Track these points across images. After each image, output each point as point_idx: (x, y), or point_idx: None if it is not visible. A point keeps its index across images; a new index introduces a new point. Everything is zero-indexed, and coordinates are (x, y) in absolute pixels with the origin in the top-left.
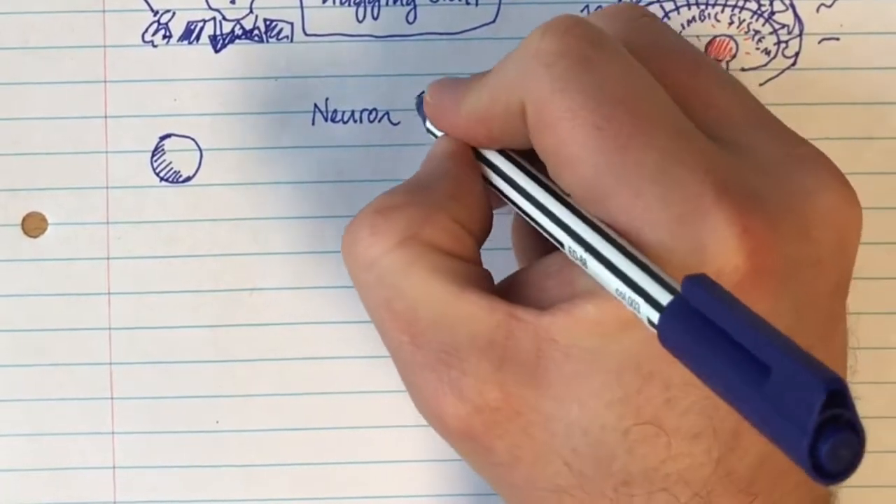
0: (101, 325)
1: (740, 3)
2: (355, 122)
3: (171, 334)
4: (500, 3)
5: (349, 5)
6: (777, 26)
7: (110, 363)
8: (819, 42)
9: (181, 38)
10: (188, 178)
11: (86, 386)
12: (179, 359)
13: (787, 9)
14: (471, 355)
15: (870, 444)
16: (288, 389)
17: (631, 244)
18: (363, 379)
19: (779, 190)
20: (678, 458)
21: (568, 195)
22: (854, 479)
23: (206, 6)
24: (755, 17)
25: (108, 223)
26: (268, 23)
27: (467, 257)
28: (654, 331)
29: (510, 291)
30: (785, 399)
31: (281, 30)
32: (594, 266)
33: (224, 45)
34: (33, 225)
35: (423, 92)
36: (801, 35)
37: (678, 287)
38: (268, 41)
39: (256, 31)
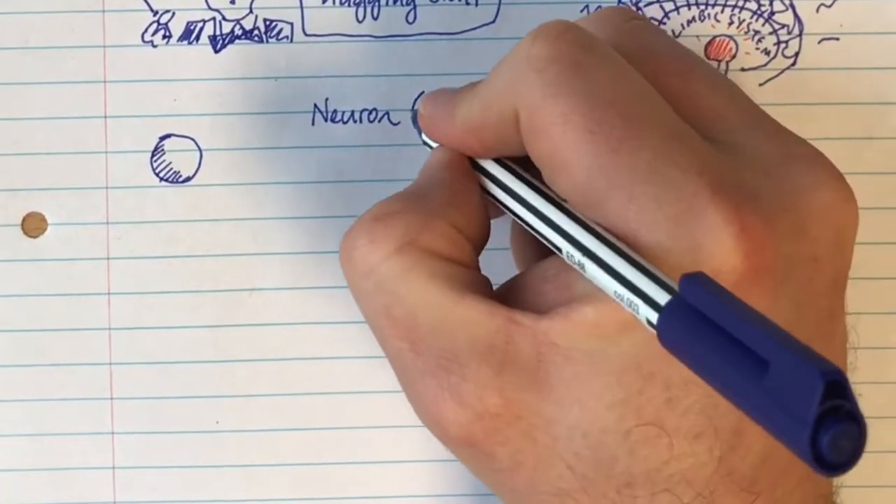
0: (101, 325)
1: (740, 4)
2: (355, 122)
3: (170, 334)
4: (500, 4)
5: (349, 5)
6: (777, 26)
7: (110, 363)
8: (819, 42)
9: (181, 39)
10: (188, 179)
11: (86, 386)
12: (179, 359)
13: (786, 9)
14: (471, 361)
15: (870, 444)
16: (288, 389)
17: (628, 246)
18: (363, 379)
19: (775, 188)
20: (680, 458)
21: (564, 200)
22: (855, 478)
23: (205, 6)
24: (755, 17)
25: (107, 223)
26: (268, 23)
27: (466, 263)
28: (654, 331)
29: (509, 296)
30: (784, 392)
31: (281, 30)
32: (592, 270)
33: (224, 46)
34: (33, 225)
35: (417, 109)
36: (800, 35)
37: (675, 287)
38: (268, 41)
39: (256, 32)
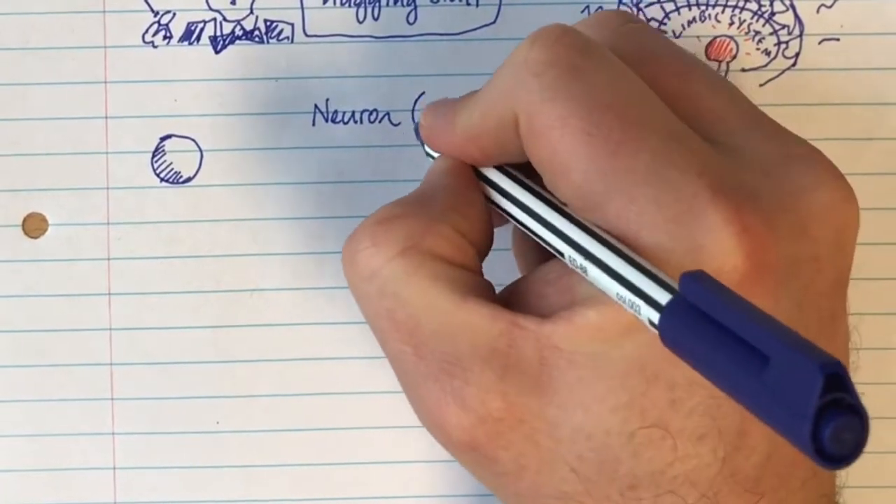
0: (102, 325)
1: (741, 4)
2: (356, 122)
3: (171, 335)
4: (500, 4)
5: (349, 6)
6: (777, 27)
7: (111, 364)
8: (819, 42)
9: (181, 39)
10: (188, 179)
11: (86, 386)
12: (180, 359)
13: (787, 9)
14: (473, 364)
15: (871, 445)
16: (288, 390)
17: (629, 248)
18: (363, 379)
19: (775, 188)
20: (684, 459)
21: (564, 205)
22: (856, 479)
23: (206, 7)
24: (755, 17)
25: (108, 224)
26: (268, 23)
27: (469, 267)
28: (656, 331)
29: (511, 300)
30: (785, 386)
31: (281, 30)
32: (594, 273)
33: (224, 46)
34: (34, 225)
35: (418, 122)
36: (801, 36)
37: (676, 286)
38: (268, 42)
39: (257, 32)
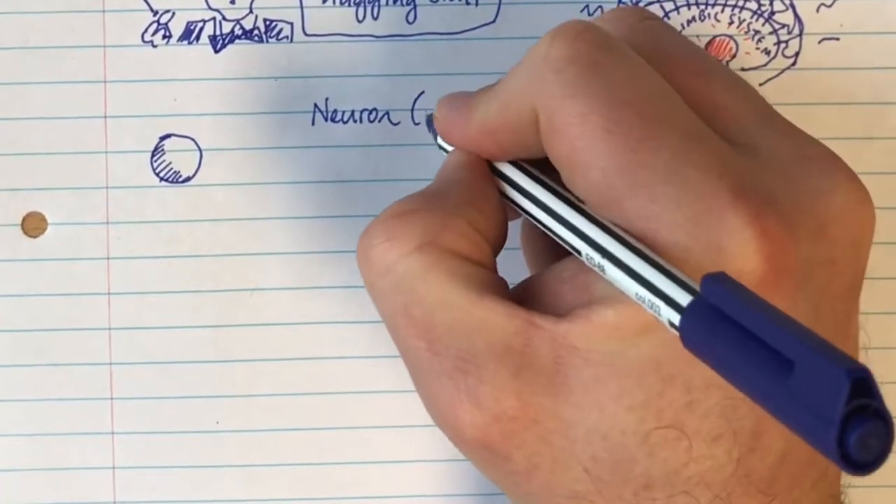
0: (101, 325)
1: (740, 3)
2: (355, 122)
3: (171, 334)
4: (500, 3)
5: (349, 5)
6: (777, 26)
7: (110, 363)
8: (819, 42)
9: (181, 38)
10: (188, 178)
11: (86, 386)
12: (179, 359)
13: (787, 9)
14: (488, 362)
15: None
16: (288, 389)
17: (647, 247)
18: (363, 379)
19: (792, 190)
20: (699, 460)
21: (582, 202)
22: (857, 478)
23: (205, 6)
24: (755, 16)
25: (108, 223)
26: (268, 23)
27: (484, 263)
28: (676, 333)
29: (525, 298)
30: (810, 392)
31: (281, 30)
32: (612, 272)
33: (224, 45)
34: (33, 225)
35: (431, 113)
36: (801, 35)
37: (697, 287)
38: (268, 41)
39: (256, 32)
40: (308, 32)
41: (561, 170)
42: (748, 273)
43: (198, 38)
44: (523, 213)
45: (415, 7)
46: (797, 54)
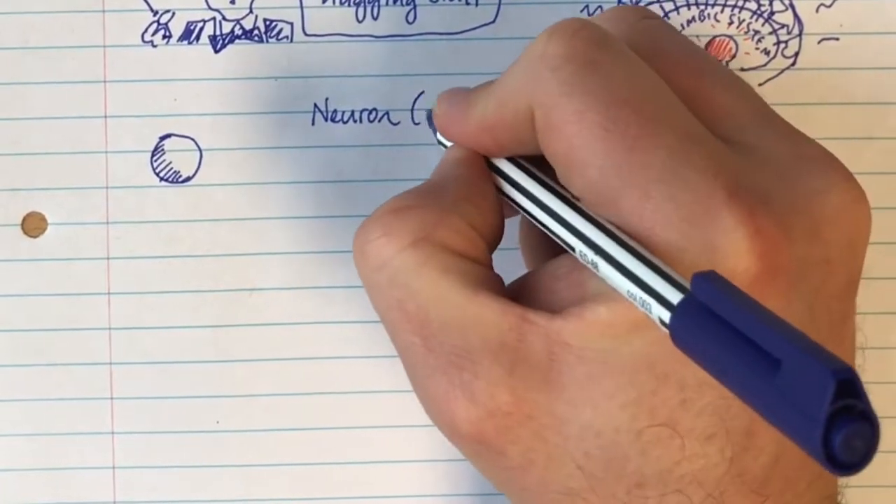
0: (101, 325)
1: (740, 4)
2: (355, 122)
3: (171, 334)
4: (500, 3)
5: (349, 5)
6: (777, 26)
7: (110, 363)
8: (819, 42)
9: (181, 38)
10: (188, 178)
11: (86, 386)
12: (179, 359)
13: (786, 9)
14: (483, 358)
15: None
16: (288, 389)
17: (642, 245)
18: (363, 379)
19: (788, 190)
20: (692, 458)
21: (577, 199)
22: (857, 478)
23: (205, 6)
24: (755, 17)
25: (107, 223)
26: (268, 23)
27: (480, 260)
28: (667, 331)
29: (520, 294)
30: (796, 391)
31: (281, 30)
32: (605, 269)
33: (224, 45)
34: (33, 225)
35: (431, 109)
36: (800, 35)
37: (688, 286)
38: (268, 41)
39: (256, 32)
40: (308, 32)
41: (557, 167)
42: (742, 272)
43: (198, 38)
44: (520, 210)
45: (415, 7)
46: (797, 54)
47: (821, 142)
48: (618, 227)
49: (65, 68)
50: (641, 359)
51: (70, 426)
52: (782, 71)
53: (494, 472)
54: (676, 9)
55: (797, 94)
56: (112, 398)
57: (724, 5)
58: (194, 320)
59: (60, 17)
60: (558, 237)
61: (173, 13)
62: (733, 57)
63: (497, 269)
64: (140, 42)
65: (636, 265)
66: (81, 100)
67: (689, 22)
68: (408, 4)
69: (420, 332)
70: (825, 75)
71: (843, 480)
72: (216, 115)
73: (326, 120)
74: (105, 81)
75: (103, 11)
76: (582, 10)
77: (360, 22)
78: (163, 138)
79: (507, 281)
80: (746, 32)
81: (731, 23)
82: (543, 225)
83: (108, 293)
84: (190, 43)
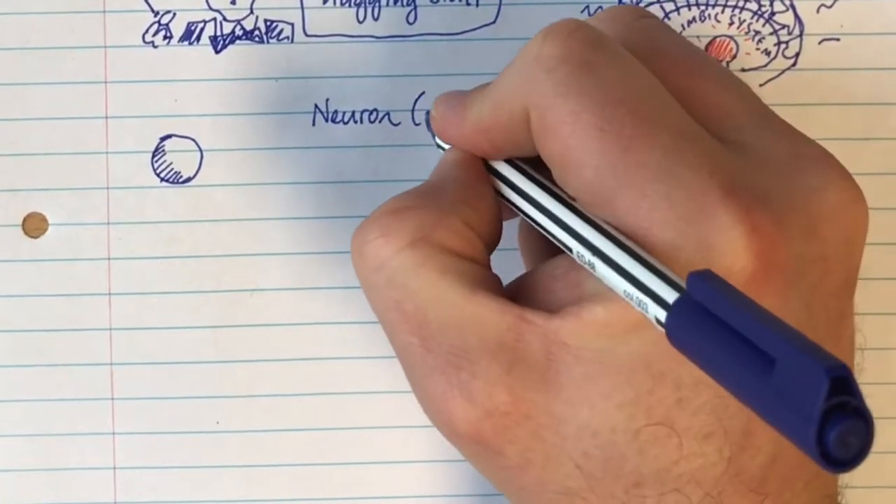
0: (102, 325)
1: (740, 4)
2: (356, 122)
3: (171, 335)
4: (500, 4)
5: (350, 6)
6: (777, 27)
7: (111, 363)
8: (819, 42)
9: (182, 39)
10: (189, 179)
11: (86, 386)
12: (180, 359)
13: (787, 9)
14: (481, 358)
15: (873, 445)
16: (289, 390)
17: (638, 245)
18: (364, 379)
19: (785, 188)
20: (690, 458)
21: (574, 200)
22: (857, 479)
23: (206, 7)
24: (755, 17)
25: (108, 223)
26: (268, 23)
27: (477, 260)
28: (663, 330)
29: (518, 294)
30: (790, 389)
31: (281, 30)
32: (602, 269)
33: (224, 46)
34: (34, 225)
35: (429, 112)
36: (801, 35)
37: (684, 285)
38: (268, 42)
39: (257, 32)
40: (309, 33)
41: (553, 168)
42: (738, 270)
43: (198, 38)
44: (517, 211)
45: (415, 8)
46: (797, 55)
47: (821, 142)
48: (614, 227)
49: (65, 68)
50: (638, 358)
51: (71, 426)
52: (783, 71)
53: (493, 471)
54: (677, 9)
55: (798, 94)
56: (113, 398)
57: (725, 6)
58: (195, 321)
59: (61, 18)
60: (555, 238)
61: (174, 14)
62: (734, 57)
63: (496, 270)
64: (141, 42)
65: (632, 265)
66: (82, 100)
67: (689, 22)
68: (408, 5)
69: (418, 332)
70: (826, 76)
71: (842, 480)
72: (217, 116)
73: (327, 120)
74: (106, 82)
75: (104, 12)
76: (582, 11)
77: (360, 22)
78: (163, 139)
79: (506, 281)
80: (747, 33)
81: (731, 23)
82: (540, 226)
83: (109, 294)
84: (191, 43)
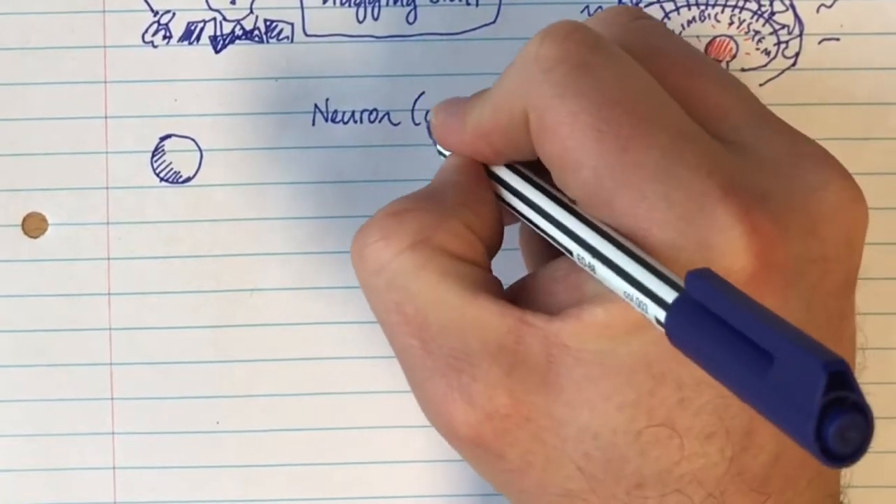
0: (102, 325)
1: (740, 4)
2: (355, 122)
3: (171, 335)
4: (500, 4)
5: (349, 6)
6: (777, 27)
7: (110, 363)
8: (819, 42)
9: (181, 39)
10: (188, 179)
11: (86, 386)
12: (179, 359)
13: (787, 9)
14: (481, 361)
15: (873, 445)
16: (288, 390)
17: (637, 246)
18: (363, 379)
19: (784, 188)
20: (692, 458)
21: (573, 202)
22: (857, 479)
23: (206, 7)
24: (755, 17)
25: (108, 223)
26: (268, 23)
27: (478, 263)
28: (663, 330)
29: (518, 297)
30: (789, 385)
31: (281, 30)
32: (602, 271)
33: (224, 46)
34: (34, 225)
35: (429, 116)
36: (801, 35)
37: (682, 284)
38: (268, 42)
39: (257, 32)
40: (308, 33)
41: (552, 170)
42: (738, 270)
43: (198, 38)
44: (517, 215)
45: (415, 7)
46: (797, 55)
47: (821, 142)
48: (613, 228)
49: (65, 68)
50: (639, 359)
51: (70, 426)
52: (783, 71)
53: (493, 474)
54: (677, 9)
55: (798, 94)
56: (112, 398)
57: (725, 6)
58: (194, 321)
59: (60, 18)
60: (555, 240)
61: (174, 13)
62: (734, 57)
63: (497, 272)
64: (140, 42)
65: (632, 266)
66: (82, 100)
67: (689, 22)
68: (408, 5)
69: (418, 334)
70: (825, 76)
71: (845, 479)
72: (217, 116)
73: (327, 120)
74: (105, 82)
75: (104, 12)
76: (582, 11)
77: (360, 22)
78: (163, 139)
79: (507, 283)
80: (747, 33)
81: (731, 23)
82: (541, 229)
83: (109, 293)
84: (190, 43)
